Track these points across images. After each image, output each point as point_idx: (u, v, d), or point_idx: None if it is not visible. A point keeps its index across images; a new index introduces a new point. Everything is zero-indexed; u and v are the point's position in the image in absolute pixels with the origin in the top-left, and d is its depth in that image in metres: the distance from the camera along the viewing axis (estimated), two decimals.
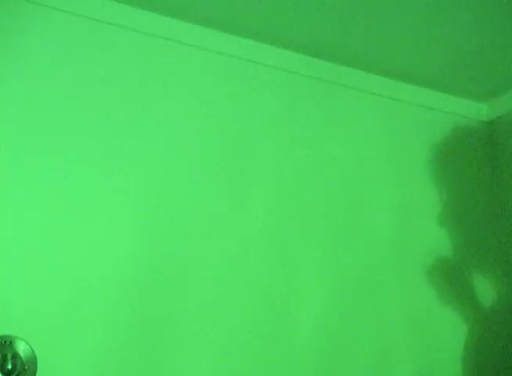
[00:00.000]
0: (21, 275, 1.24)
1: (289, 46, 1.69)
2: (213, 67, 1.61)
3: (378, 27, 1.60)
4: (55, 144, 1.37)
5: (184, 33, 1.59)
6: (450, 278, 1.69)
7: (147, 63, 1.53)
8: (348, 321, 1.53)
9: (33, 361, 1.15)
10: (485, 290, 1.72)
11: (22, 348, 1.15)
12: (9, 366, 1.11)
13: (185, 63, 1.58)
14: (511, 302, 1.72)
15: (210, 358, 1.36)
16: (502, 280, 1.75)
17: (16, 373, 1.11)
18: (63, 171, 1.36)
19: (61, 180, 1.35)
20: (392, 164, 1.76)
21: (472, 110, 1.95)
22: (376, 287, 1.59)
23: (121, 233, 1.37)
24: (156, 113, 1.50)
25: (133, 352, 1.29)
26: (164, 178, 1.46)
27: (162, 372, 1.31)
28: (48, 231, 1.30)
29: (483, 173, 1.89)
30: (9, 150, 1.32)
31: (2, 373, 1.10)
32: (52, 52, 1.44)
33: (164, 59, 1.56)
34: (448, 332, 1.63)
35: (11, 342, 1.14)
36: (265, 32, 1.63)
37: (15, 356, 1.13)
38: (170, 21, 1.57)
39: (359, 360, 1.50)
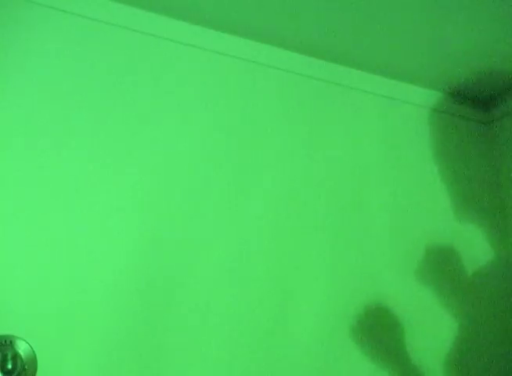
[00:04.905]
0: (21, 275, 1.24)
1: (289, 46, 1.69)
2: (213, 67, 1.61)
3: (378, 27, 1.60)
4: (55, 146, 1.37)
5: (184, 33, 1.59)
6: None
7: (147, 63, 1.54)
8: (348, 323, 1.52)
9: (33, 361, 1.14)
10: (485, 292, 1.73)
11: (22, 348, 1.14)
12: (10, 366, 1.10)
13: (185, 63, 1.58)
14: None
15: (209, 359, 1.35)
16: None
17: (16, 373, 1.11)
18: (63, 173, 1.35)
19: (61, 182, 1.34)
20: (392, 164, 1.76)
21: (472, 111, 1.95)
22: (377, 287, 1.59)
23: (121, 234, 1.36)
24: (155, 113, 1.50)
25: (132, 352, 1.28)
26: (163, 179, 1.45)
27: (161, 372, 1.30)
28: (48, 232, 1.29)
29: (483, 173, 1.89)
30: (9, 150, 1.32)
31: (3, 372, 1.10)
32: (52, 52, 1.44)
33: (164, 59, 1.56)
34: (450, 332, 1.64)
35: (11, 342, 1.14)
36: (265, 32, 1.63)
37: (15, 355, 1.12)
38: (170, 21, 1.58)
39: (359, 362, 1.50)
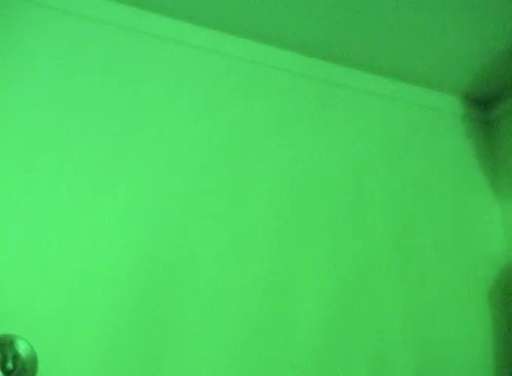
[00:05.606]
0: (22, 275, 1.24)
1: (289, 46, 1.69)
2: (213, 67, 1.61)
3: (378, 27, 1.61)
4: (55, 144, 1.37)
5: (184, 33, 1.59)
6: None
7: (147, 63, 1.54)
8: (348, 321, 1.52)
9: (33, 360, 1.14)
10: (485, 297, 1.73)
11: (22, 348, 1.14)
12: (10, 366, 1.10)
13: (185, 63, 1.58)
14: None
15: (209, 357, 1.35)
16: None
17: (16, 372, 1.11)
18: (62, 172, 1.35)
19: (61, 181, 1.34)
20: (392, 163, 1.76)
21: (472, 111, 1.96)
22: (377, 287, 1.59)
23: (121, 234, 1.36)
24: (155, 113, 1.50)
25: (133, 351, 1.28)
26: (163, 178, 1.45)
27: (162, 372, 1.30)
28: (48, 231, 1.29)
29: (483, 173, 1.90)
30: (11, 149, 1.32)
31: (3, 372, 1.09)
32: (51, 52, 1.44)
33: (164, 59, 1.56)
34: (449, 332, 1.63)
35: (12, 342, 1.13)
36: (265, 32, 1.64)
37: (15, 355, 1.12)
38: (170, 21, 1.58)
39: (358, 359, 1.49)
